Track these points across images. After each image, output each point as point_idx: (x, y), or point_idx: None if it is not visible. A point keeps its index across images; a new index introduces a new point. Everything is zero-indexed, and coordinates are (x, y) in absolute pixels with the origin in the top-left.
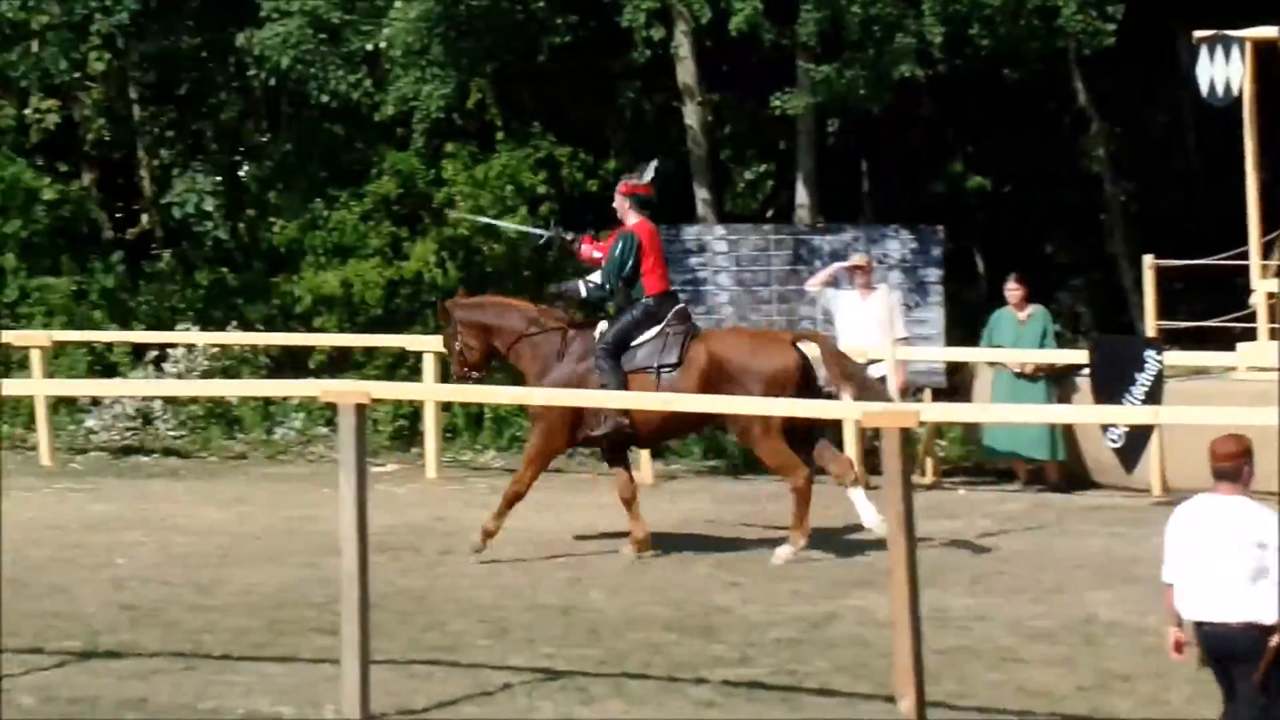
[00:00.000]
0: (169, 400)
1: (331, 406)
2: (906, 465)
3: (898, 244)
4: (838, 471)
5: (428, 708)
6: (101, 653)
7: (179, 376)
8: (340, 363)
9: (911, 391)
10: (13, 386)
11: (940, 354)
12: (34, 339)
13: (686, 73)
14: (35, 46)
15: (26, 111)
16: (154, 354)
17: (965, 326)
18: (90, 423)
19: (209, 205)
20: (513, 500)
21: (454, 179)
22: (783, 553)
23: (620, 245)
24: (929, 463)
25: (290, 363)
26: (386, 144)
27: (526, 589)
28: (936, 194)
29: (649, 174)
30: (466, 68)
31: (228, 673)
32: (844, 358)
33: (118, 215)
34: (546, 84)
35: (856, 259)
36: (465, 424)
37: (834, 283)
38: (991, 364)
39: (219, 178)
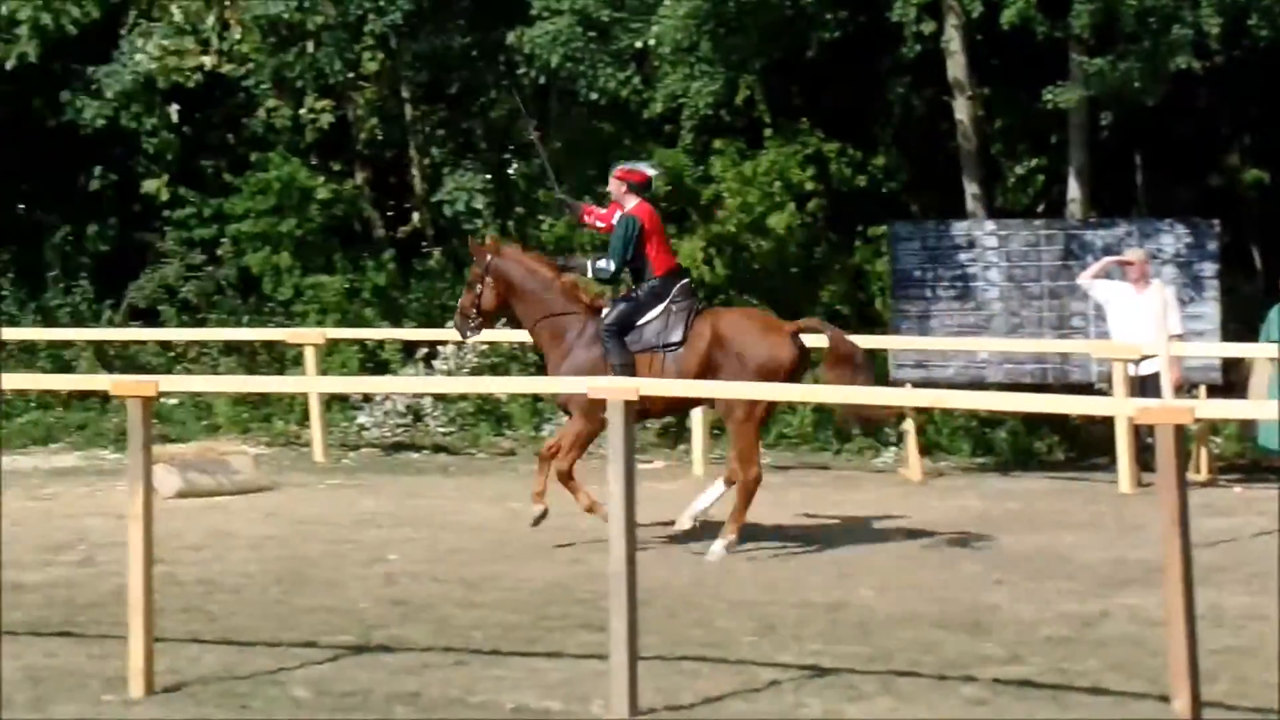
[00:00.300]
0: (439, 397)
1: (600, 404)
2: (1180, 463)
3: (1172, 238)
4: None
5: (694, 703)
6: (373, 647)
7: (449, 374)
8: None
9: (1186, 388)
10: (288, 383)
11: (1216, 349)
12: (308, 337)
13: (957, 67)
14: (311, 47)
15: (301, 112)
16: (424, 351)
17: (1242, 321)
18: (362, 419)
19: (479, 203)
20: (565, 478)
21: (722, 175)
22: (717, 550)
23: (622, 230)
24: (1204, 460)
25: None
26: (655, 141)
27: (794, 585)
28: (1212, 187)
29: (647, 168)
30: (735, 64)
31: (497, 667)
32: (849, 343)
33: (389, 213)
34: (815, 79)
35: (1130, 254)
36: None
37: (1106, 277)
38: (1270, 359)
39: (488, 176)
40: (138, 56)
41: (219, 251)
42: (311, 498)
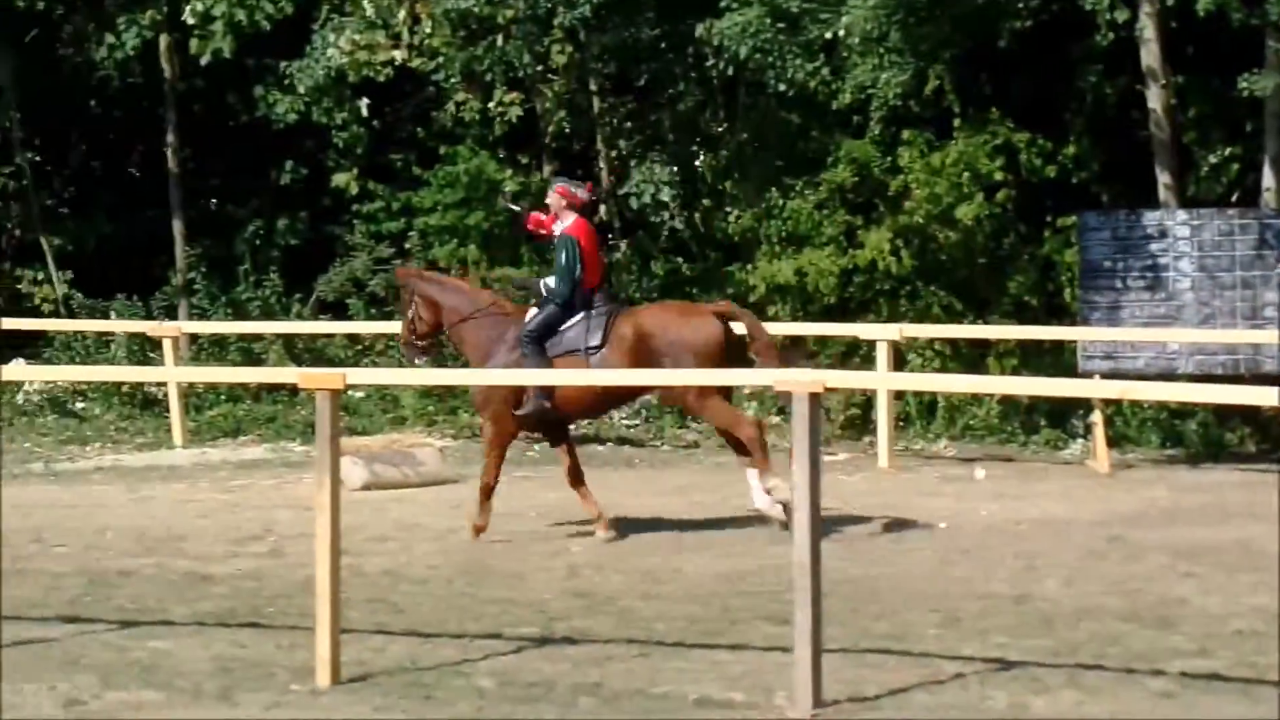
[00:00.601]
0: None
1: (784, 395)
2: None
3: None
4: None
5: (879, 695)
6: (557, 639)
7: None
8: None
9: None
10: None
11: None
12: None
13: (1151, 55)
14: (500, 41)
15: (490, 105)
16: None
17: None
18: None
19: (666, 195)
20: (488, 492)
21: (910, 166)
22: (763, 501)
23: (566, 250)
24: None
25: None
26: (843, 132)
27: (978, 578)
28: None
29: (584, 192)
30: (925, 54)
31: (679, 659)
32: (763, 330)
33: None
34: (1005, 69)
35: None
36: (918, 412)
37: None
38: None
39: (675, 168)
40: (329, 51)
41: (407, 244)
42: (496, 490)
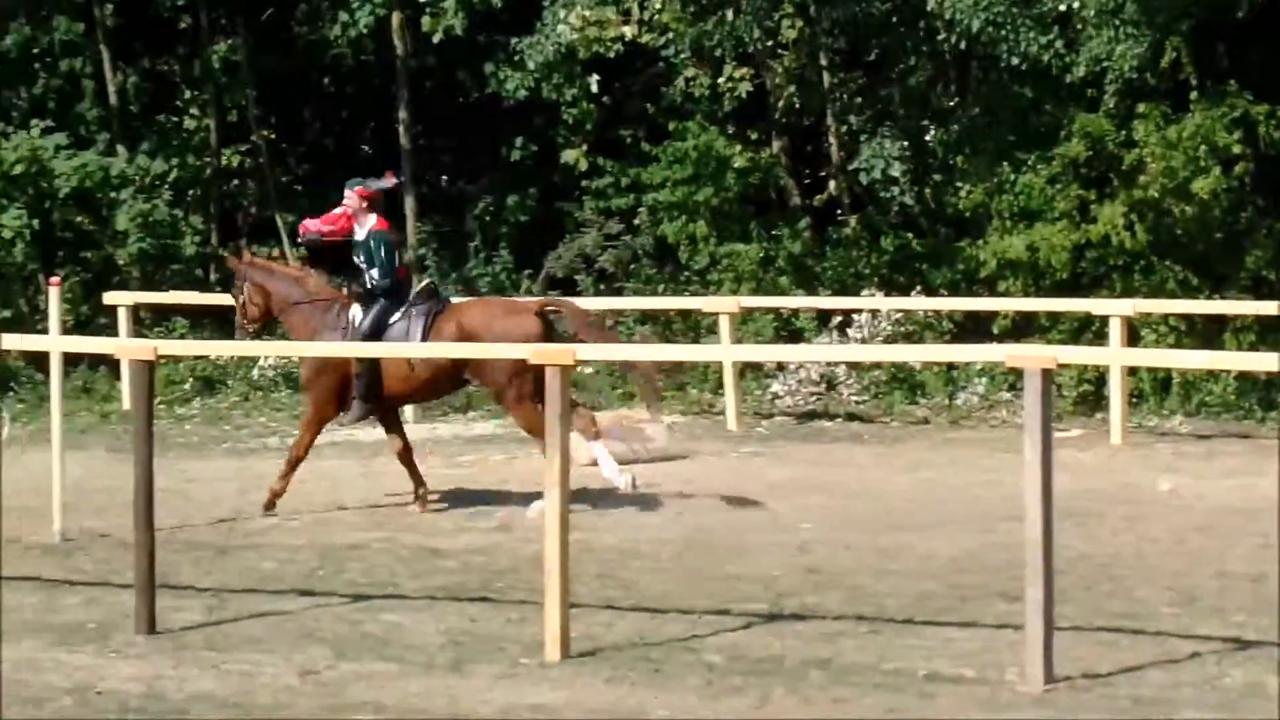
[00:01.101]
0: (853, 365)
1: (1015, 371)
2: None
3: None
4: (580, 426)
5: (1111, 673)
6: (786, 615)
7: (862, 342)
8: (1024, 327)
9: None
10: (702, 352)
11: None
12: (723, 305)
13: None
14: (730, 16)
15: (720, 80)
16: (838, 319)
17: None
18: (775, 388)
19: (896, 171)
20: (295, 465)
21: (1145, 140)
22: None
23: (381, 244)
24: None
25: (973, 327)
26: (1076, 105)
27: (1214, 556)
28: None
29: (382, 184)
30: (1161, 26)
31: (909, 635)
32: (589, 316)
33: (805, 181)
34: (1243, 40)
35: None
36: (1151, 389)
37: None
38: None
39: (905, 143)
40: (560, 27)
41: (636, 220)
42: (725, 466)
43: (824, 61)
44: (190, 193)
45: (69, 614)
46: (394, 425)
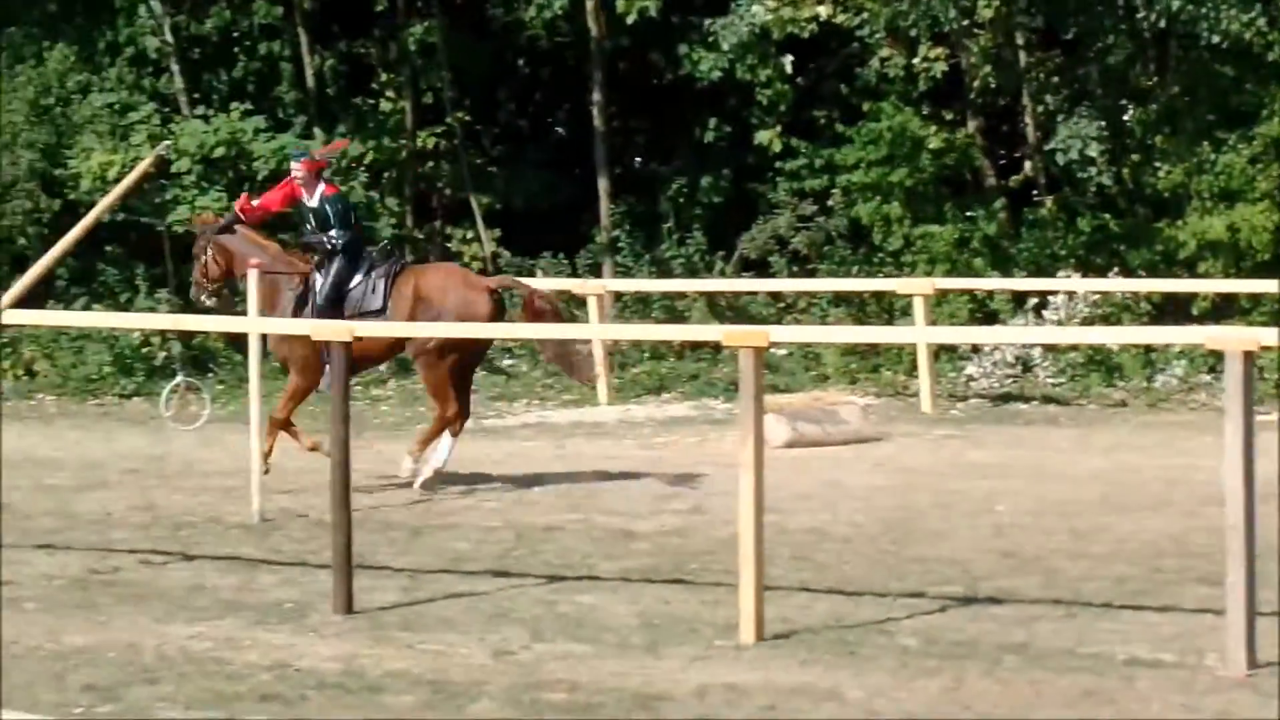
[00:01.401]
0: (1049, 347)
1: (1216, 354)
2: None
3: None
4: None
5: None
6: (982, 598)
7: (1059, 324)
8: (1224, 309)
9: None
10: (896, 334)
11: None
12: (917, 286)
13: None
14: None
15: (915, 61)
16: (1034, 301)
17: None
18: (970, 370)
19: (1093, 151)
20: (280, 424)
21: None
22: (407, 465)
23: (340, 204)
24: None
25: (1172, 309)
26: (1278, 84)
27: None
28: None
29: (329, 151)
30: None
31: (1107, 620)
32: (539, 295)
33: (1001, 162)
34: None
35: None
36: None
37: None
38: None
39: (1103, 122)
40: (754, 8)
41: (830, 202)
42: (919, 448)
43: (1020, 40)
44: (386, 175)
45: (267, 593)
46: None
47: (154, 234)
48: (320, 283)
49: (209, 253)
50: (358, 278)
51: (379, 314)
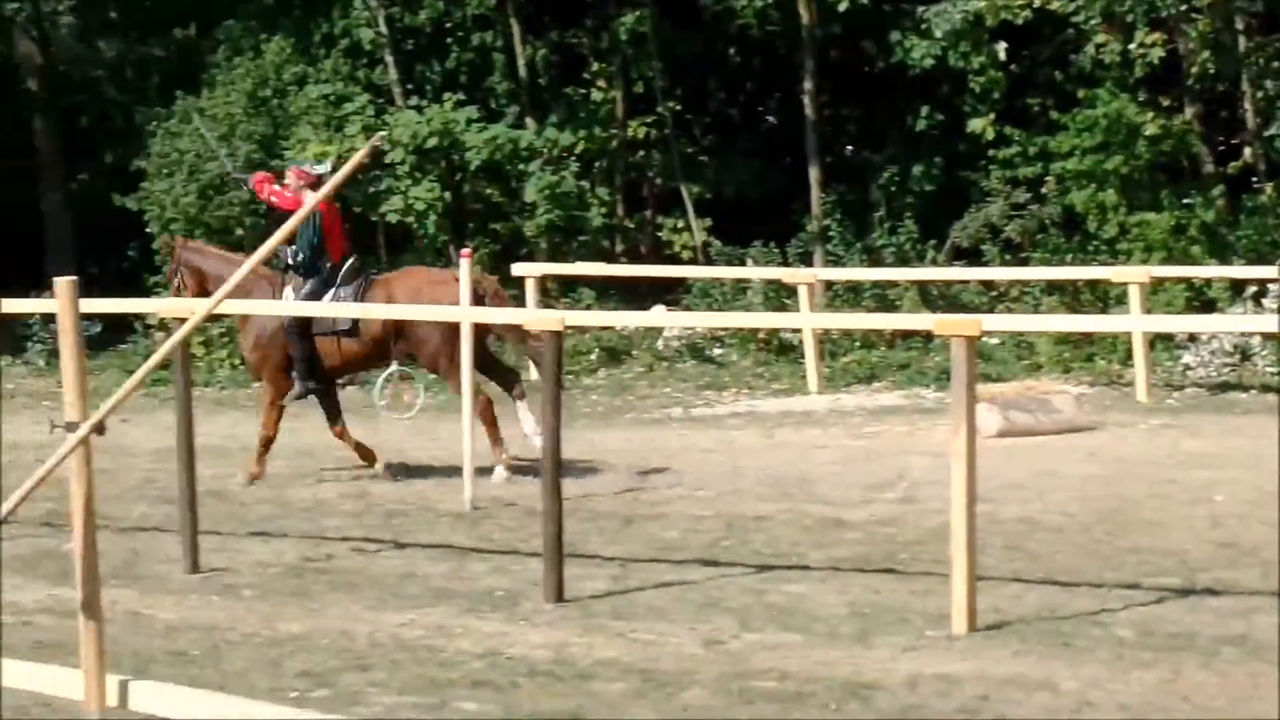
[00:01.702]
0: (1268, 336)
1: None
2: None
3: None
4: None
5: None
6: (1199, 589)
7: (1278, 312)
8: None
9: None
10: (1111, 322)
11: None
12: (1132, 275)
13: None
14: None
15: (1131, 46)
16: (1253, 289)
17: None
18: (1187, 359)
19: None
20: (267, 444)
21: None
22: (499, 475)
23: (309, 225)
24: None
25: None
26: None
27: None
28: None
29: (321, 168)
30: None
31: None
32: (497, 284)
33: (1220, 149)
34: None
35: None
36: None
37: None
38: None
39: None
40: None
41: (1043, 190)
42: (1134, 438)
43: (1240, 25)
44: (597, 164)
45: (478, 581)
46: (331, 398)
47: (368, 224)
48: (293, 299)
49: (180, 274)
50: (327, 297)
51: (348, 334)
